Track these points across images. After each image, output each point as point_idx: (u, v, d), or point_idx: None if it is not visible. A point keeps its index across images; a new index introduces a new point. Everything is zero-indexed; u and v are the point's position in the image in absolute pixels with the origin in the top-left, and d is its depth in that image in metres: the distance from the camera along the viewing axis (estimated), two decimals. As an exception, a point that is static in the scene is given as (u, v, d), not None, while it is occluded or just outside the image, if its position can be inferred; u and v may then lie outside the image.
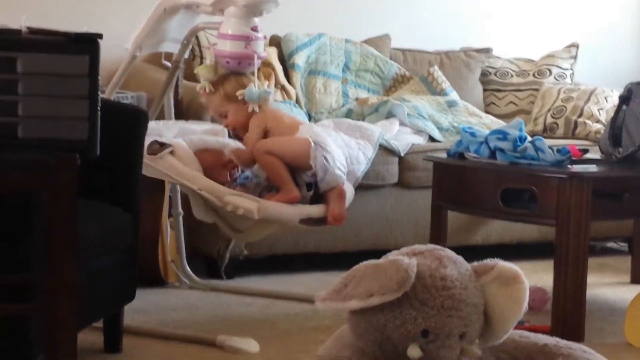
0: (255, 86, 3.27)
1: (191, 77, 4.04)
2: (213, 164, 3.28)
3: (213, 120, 3.62)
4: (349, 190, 3.32)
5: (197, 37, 4.16)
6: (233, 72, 3.30)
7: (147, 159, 3.07)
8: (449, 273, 2.15)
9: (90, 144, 1.85)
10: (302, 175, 3.21)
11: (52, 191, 1.84)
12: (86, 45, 1.87)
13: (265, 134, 3.27)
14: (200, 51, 4.21)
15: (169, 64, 3.53)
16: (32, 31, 2.03)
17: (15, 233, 2.16)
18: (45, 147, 1.83)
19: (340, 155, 3.29)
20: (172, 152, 3.18)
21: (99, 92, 1.94)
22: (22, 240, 2.16)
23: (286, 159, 3.18)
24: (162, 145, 3.15)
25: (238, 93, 3.26)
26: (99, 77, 1.88)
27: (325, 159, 3.17)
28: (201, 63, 4.18)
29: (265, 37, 3.37)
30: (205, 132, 3.42)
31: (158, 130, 3.32)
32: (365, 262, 2.18)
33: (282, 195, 3.17)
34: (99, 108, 1.86)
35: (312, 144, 3.17)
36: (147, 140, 3.03)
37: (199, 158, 3.27)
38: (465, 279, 2.16)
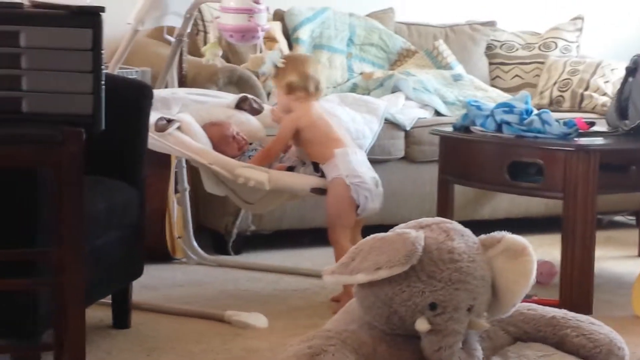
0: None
1: (195, 51, 4.03)
2: (221, 137, 3.28)
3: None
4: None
5: (200, 11, 4.15)
6: (286, 61, 3.25)
7: (155, 135, 3.07)
8: (457, 246, 2.14)
9: (95, 118, 1.84)
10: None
11: (58, 166, 1.83)
12: (89, 18, 1.85)
13: (297, 135, 3.21)
14: (204, 25, 4.19)
15: (171, 38, 3.52)
16: (35, 4, 2.02)
17: (21, 208, 2.16)
18: (50, 121, 1.82)
19: (369, 172, 3.22)
20: (179, 128, 3.18)
21: (103, 67, 1.92)
22: (28, 215, 2.16)
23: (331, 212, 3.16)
24: (169, 122, 3.15)
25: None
26: (103, 51, 1.86)
27: (366, 197, 3.14)
28: (205, 38, 4.17)
29: (267, 9, 3.35)
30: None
31: (166, 101, 3.32)
32: (372, 236, 2.17)
33: None
34: (102, 82, 1.85)
35: (351, 186, 3.11)
36: (154, 116, 3.02)
37: (207, 132, 3.27)
38: (472, 251, 2.16)
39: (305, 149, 3.24)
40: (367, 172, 3.19)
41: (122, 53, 3.35)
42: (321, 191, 3.19)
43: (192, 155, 3.14)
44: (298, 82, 3.22)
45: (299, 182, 3.18)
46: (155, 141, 3.08)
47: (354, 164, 3.17)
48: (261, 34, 3.28)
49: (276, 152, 3.26)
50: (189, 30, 3.50)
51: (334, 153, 3.16)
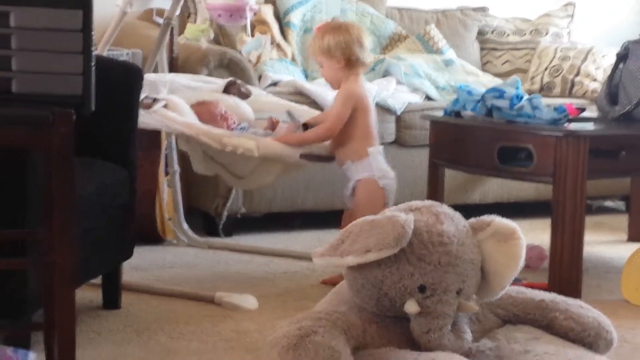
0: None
1: (187, 34, 4.02)
2: (210, 116, 3.27)
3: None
4: None
5: (190, -7, 4.14)
6: (340, 29, 3.10)
7: (141, 112, 3.05)
8: (446, 229, 2.15)
9: (85, 99, 1.84)
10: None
11: (48, 147, 1.83)
12: (79, -1, 1.85)
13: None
14: (195, 7, 4.18)
15: (161, 20, 3.50)
16: (26, -15, 2.02)
17: (11, 189, 2.15)
18: (40, 102, 1.82)
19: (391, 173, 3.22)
20: (165, 106, 3.16)
21: (93, 48, 1.92)
22: (18, 196, 2.16)
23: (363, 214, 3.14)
24: (155, 100, 3.14)
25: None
26: (93, 33, 1.86)
27: (390, 198, 3.14)
28: (196, 21, 4.16)
29: None
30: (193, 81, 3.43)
31: (154, 85, 3.30)
32: (362, 218, 2.18)
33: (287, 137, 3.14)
34: (93, 63, 1.85)
35: (385, 188, 3.12)
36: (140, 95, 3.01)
37: (195, 111, 3.26)
38: (462, 235, 2.16)
39: (340, 134, 3.11)
40: (391, 170, 3.17)
41: (110, 35, 3.34)
42: (311, 157, 3.15)
43: (178, 127, 3.09)
44: (359, 54, 3.06)
45: (288, 148, 3.12)
46: (140, 117, 3.06)
47: (383, 164, 3.16)
48: (249, 13, 3.27)
49: (335, 132, 3.09)
50: (178, 12, 3.49)
51: (368, 152, 3.12)
